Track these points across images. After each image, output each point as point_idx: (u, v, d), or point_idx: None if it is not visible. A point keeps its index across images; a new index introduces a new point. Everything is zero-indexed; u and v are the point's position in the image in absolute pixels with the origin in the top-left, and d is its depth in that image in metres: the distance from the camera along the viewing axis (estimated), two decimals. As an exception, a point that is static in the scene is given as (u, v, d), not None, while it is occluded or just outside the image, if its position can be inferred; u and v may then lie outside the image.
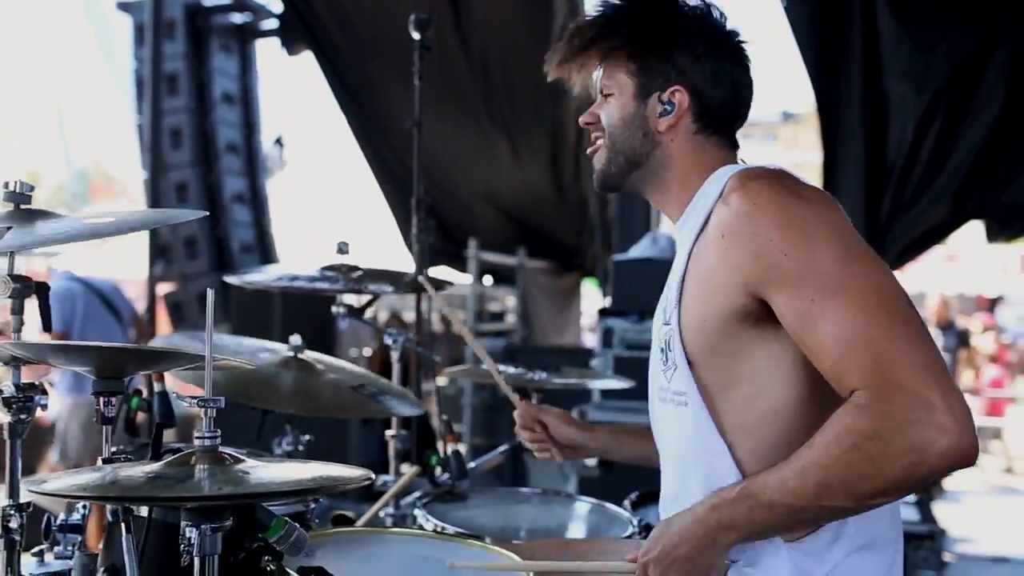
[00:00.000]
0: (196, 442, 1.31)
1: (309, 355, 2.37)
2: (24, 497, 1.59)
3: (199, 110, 8.59)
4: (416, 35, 2.84)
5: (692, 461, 1.59)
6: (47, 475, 1.39)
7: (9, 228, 1.58)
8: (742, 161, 1.70)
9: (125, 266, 11.40)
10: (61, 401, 5.73)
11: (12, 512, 1.58)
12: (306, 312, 6.39)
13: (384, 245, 9.77)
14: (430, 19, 2.79)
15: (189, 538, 1.25)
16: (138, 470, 1.31)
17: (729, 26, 1.69)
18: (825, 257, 1.39)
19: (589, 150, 1.76)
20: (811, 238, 1.40)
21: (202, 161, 8.60)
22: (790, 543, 1.50)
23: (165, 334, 7.63)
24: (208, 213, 2.15)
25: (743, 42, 1.69)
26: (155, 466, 1.32)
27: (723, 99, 1.66)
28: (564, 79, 1.75)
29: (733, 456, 1.53)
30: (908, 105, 5.73)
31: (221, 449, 1.32)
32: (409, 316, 7.71)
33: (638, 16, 1.67)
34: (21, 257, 1.64)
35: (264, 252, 9.13)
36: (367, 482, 1.33)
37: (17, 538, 1.60)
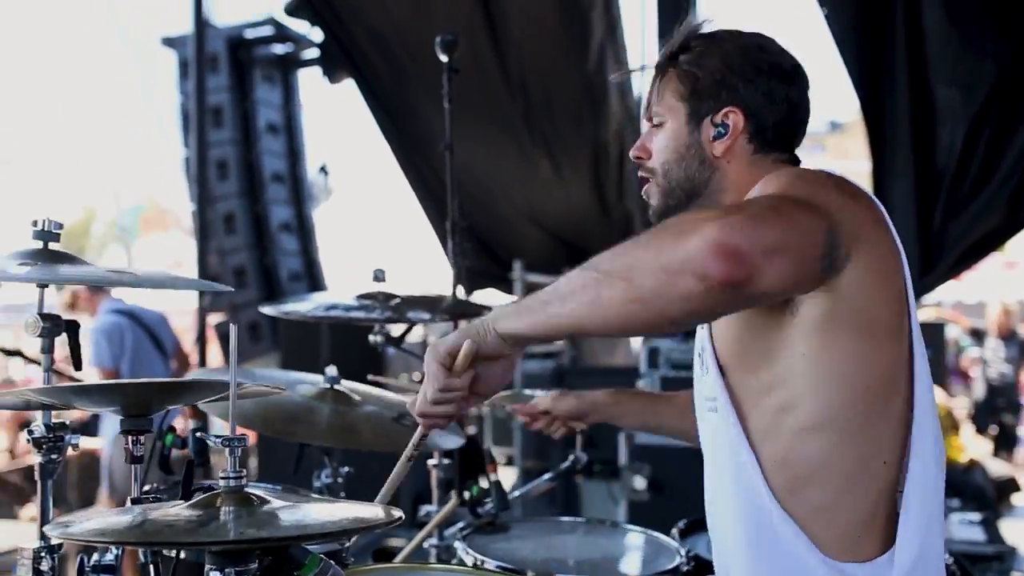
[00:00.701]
0: (221, 483, 1.28)
1: (345, 385, 2.33)
2: (55, 539, 1.57)
3: (244, 141, 8.68)
4: (444, 57, 2.80)
5: (723, 469, 1.54)
6: (96, 510, 1.37)
7: (35, 264, 1.57)
8: None
9: (174, 297, 11.56)
10: (108, 438, 5.78)
11: (43, 554, 1.57)
12: (355, 339, 6.37)
13: (431, 269, 9.78)
14: (456, 40, 2.75)
15: (213, 582, 1.22)
16: (164, 512, 1.28)
17: (785, 47, 1.65)
18: (791, 190, 1.38)
19: (643, 189, 1.71)
20: (793, 187, 1.39)
21: (248, 191, 8.69)
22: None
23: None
24: (232, 289, 2.10)
25: (798, 64, 1.65)
26: (180, 508, 1.29)
27: (779, 119, 1.61)
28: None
29: (761, 468, 1.46)
30: (957, 109, 5.60)
31: (248, 489, 1.29)
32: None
33: (692, 38, 1.65)
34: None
35: (312, 280, 9.18)
36: (397, 523, 1.28)
37: (49, 580, 1.58)
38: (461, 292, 2.93)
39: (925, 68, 5.59)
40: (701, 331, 1.57)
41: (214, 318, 8.47)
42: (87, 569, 1.74)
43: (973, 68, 5.47)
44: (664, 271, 1.19)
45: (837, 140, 19.37)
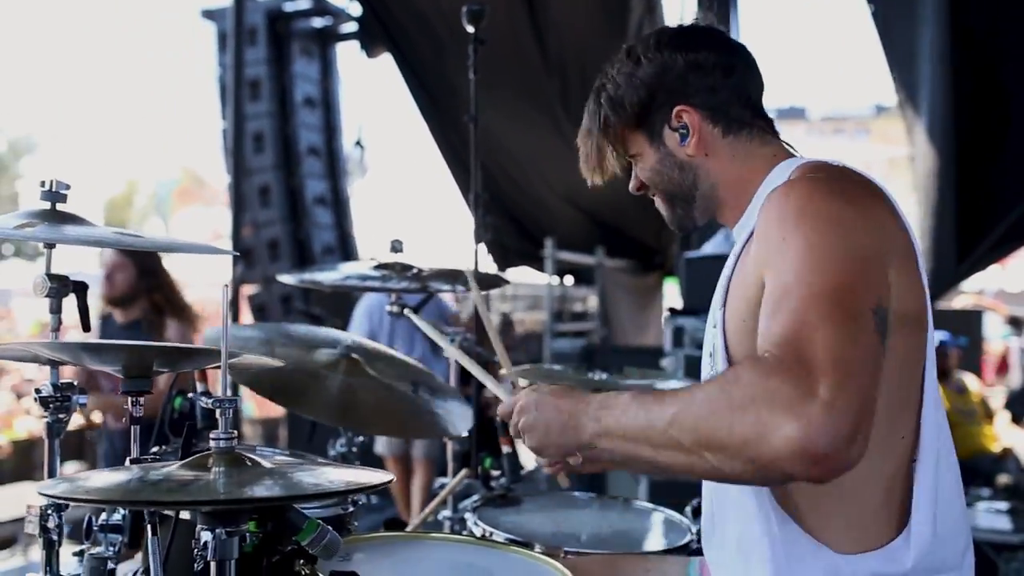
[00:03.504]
0: (212, 443, 1.28)
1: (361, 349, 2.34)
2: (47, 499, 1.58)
3: (281, 114, 8.73)
4: (470, 28, 2.78)
5: None
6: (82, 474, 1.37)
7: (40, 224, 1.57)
8: (797, 153, 1.58)
9: (210, 268, 11.68)
10: None
11: (50, 512, 1.59)
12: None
13: (464, 243, 9.79)
14: (483, 11, 2.72)
15: (204, 542, 1.22)
16: (157, 473, 1.29)
17: (678, 23, 1.63)
18: (822, 251, 1.28)
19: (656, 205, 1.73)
20: (818, 231, 1.30)
21: (284, 165, 8.74)
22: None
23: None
24: (238, 254, 2.10)
25: (698, 26, 1.62)
26: (172, 468, 1.29)
27: (722, 85, 1.56)
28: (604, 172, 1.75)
29: None
30: (1003, 95, 5.50)
31: (238, 450, 1.29)
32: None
33: (600, 92, 1.64)
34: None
35: (346, 253, 9.23)
36: (385, 484, 1.28)
37: (55, 538, 1.60)
38: (482, 264, 2.92)
39: (972, 56, 5.48)
40: (714, 329, 1.50)
41: (248, 290, 8.55)
42: (95, 528, 1.77)
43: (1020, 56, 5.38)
44: (752, 463, 1.18)
45: (882, 124, 19.07)
